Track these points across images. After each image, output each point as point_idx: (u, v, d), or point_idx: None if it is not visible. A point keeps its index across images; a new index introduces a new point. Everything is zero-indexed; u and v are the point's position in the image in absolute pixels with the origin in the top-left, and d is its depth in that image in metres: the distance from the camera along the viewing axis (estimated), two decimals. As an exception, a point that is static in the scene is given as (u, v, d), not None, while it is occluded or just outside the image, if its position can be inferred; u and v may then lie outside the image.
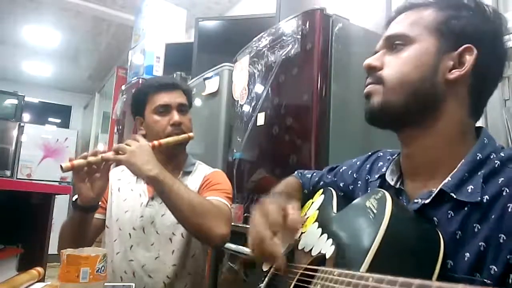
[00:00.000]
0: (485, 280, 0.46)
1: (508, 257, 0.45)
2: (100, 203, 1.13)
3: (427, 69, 0.58)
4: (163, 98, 1.19)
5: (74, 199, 1.03)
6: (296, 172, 0.94)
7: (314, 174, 0.89)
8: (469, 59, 0.56)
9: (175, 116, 1.17)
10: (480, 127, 0.60)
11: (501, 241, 0.46)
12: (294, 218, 0.63)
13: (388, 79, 0.60)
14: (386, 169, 0.67)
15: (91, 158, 0.97)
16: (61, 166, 0.93)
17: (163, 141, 1.11)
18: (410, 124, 0.60)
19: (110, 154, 1.00)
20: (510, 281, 0.45)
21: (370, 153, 0.79)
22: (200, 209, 0.99)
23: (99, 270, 0.70)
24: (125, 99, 2.90)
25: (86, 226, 1.07)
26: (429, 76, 0.58)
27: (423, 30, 0.59)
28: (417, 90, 0.58)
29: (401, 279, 0.35)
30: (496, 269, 0.45)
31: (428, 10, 0.61)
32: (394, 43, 0.61)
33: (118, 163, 1.02)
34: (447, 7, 0.60)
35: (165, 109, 1.18)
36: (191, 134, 1.19)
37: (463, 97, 0.58)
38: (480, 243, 0.48)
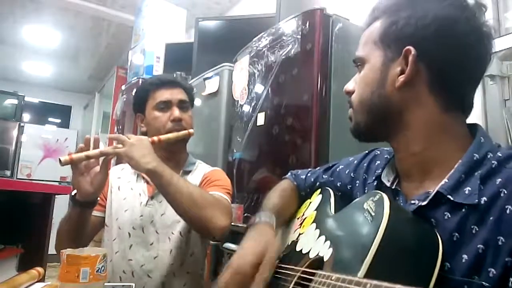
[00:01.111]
0: (484, 282, 0.45)
1: (506, 259, 0.44)
2: (99, 199, 1.13)
3: (375, 83, 0.59)
4: (164, 95, 1.19)
5: (72, 194, 1.03)
6: (289, 174, 0.94)
7: (309, 174, 0.88)
8: (410, 60, 0.55)
9: (176, 112, 1.17)
10: (474, 124, 0.59)
11: (500, 243, 0.45)
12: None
13: (353, 102, 0.64)
14: (382, 170, 0.67)
15: (89, 152, 0.97)
16: (59, 160, 0.93)
17: (163, 137, 1.11)
18: (387, 136, 0.62)
19: (109, 148, 1.01)
20: (510, 284, 0.44)
21: (367, 152, 0.79)
22: (200, 200, 0.99)
23: (99, 270, 0.70)
24: (125, 99, 2.90)
25: (84, 222, 1.06)
26: (377, 91, 0.59)
27: (371, 46, 0.61)
28: (371, 107, 0.60)
29: (398, 286, 0.35)
30: (494, 272, 0.45)
31: (376, 23, 0.61)
32: (358, 65, 0.64)
33: (117, 156, 1.02)
34: (390, 14, 0.59)
35: (165, 105, 1.19)
36: (191, 130, 1.19)
37: (425, 97, 0.56)
38: (478, 246, 0.47)
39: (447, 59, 0.55)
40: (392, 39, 0.57)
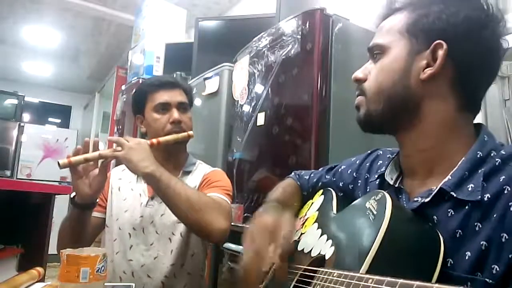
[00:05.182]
0: (487, 279, 0.46)
1: (510, 256, 0.45)
2: (99, 201, 1.13)
3: (398, 73, 0.59)
4: (163, 96, 1.19)
5: (72, 196, 1.03)
6: (293, 173, 0.94)
7: (312, 174, 0.88)
8: (440, 54, 0.55)
9: (175, 114, 1.17)
10: (479, 124, 0.60)
11: (503, 240, 0.46)
12: (287, 233, 0.65)
13: (368, 89, 0.63)
14: (385, 168, 0.67)
15: (88, 155, 0.97)
16: (58, 163, 0.94)
17: (162, 139, 1.11)
18: (398, 128, 0.62)
19: (108, 151, 1.01)
20: None
21: (369, 152, 0.79)
22: (198, 204, 0.99)
23: (99, 270, 0.70)
24: (125, 99, 2.90)
25: (84, 223, 1.07)
26: (400, 80, 0.58)
27: (396, 36, 0.60)
28: (391, 96, 0.59)
29: (401, 281, 0.35)
30: (498, 269, 0.45)
31: (401, 14, 0.61)
32: (374, 54, 0.63)
33: (116, 159, 1.03)
34: (418, 6, 0.59)
35: (165, 107, 1.18)
36: (190, 132, 1.19)
37: (445, 93, 0.57)
38: (481, 242, 0.47)
39: (472, 60, 0.56)
40: (421, 31, 0.58)
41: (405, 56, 0.59)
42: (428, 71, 0.56)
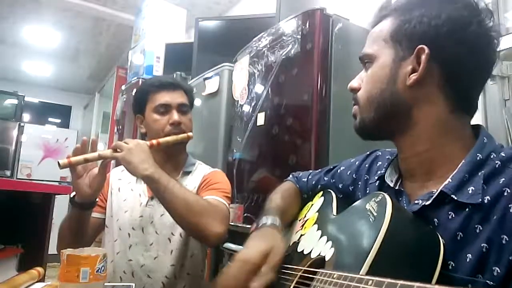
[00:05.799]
0: (488, 281, 0.46)
1: (510, 258, 0.44)
2: (98, 201, 1.14)
3: (385, 81, 0.59)
4: (164, 98, 1.19)
5: (71, 195, 1.03)
6: (291, 176, 0.93)
7: (310, 176, 0.88)
8: (423, 59, 0.55)
9: (175, 116, 1.17)
10: (478, 125, 0.60)
11: (504, 242, 0.45)
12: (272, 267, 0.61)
13: (360, 98, 0.64)
14: (385, 170, 0.67)
15: (88, 155, 0.97)
16: (58, 163, 0.94)
17: (162, 140, 1.11)
18: (393, 133, 0.62)
19: (107, 152, 1.01)
20: None
21: (368, 153, 0.79)
22: (195, 207, 0.99)
23: (99, 270, 0.70)
24: (125, 99, 2.90)
25: (84, 223, 1.07)
26: (387, 88, 0.59)
27: (381, 44, 0.61)
28: (380, 103, 0.60)
29: (401, 282, 0.35)
30: (499, 270, 0.45)
31: (387, 21, 0.61)
32: (365, 63, 0.64)
33: (115, 160, 1.03)
34: (402, 12, 0.59)
35: (165, 109, 1.18)
36: (190, 133, 1.19)
37: (435, 96, 0.57)
38: (482, 244, 0.47)
39: (459, 60, 0.55)
40: (404, 37, 0.58)
41: (390, 64, 0.59)
42: (413, 76, 0.56)
